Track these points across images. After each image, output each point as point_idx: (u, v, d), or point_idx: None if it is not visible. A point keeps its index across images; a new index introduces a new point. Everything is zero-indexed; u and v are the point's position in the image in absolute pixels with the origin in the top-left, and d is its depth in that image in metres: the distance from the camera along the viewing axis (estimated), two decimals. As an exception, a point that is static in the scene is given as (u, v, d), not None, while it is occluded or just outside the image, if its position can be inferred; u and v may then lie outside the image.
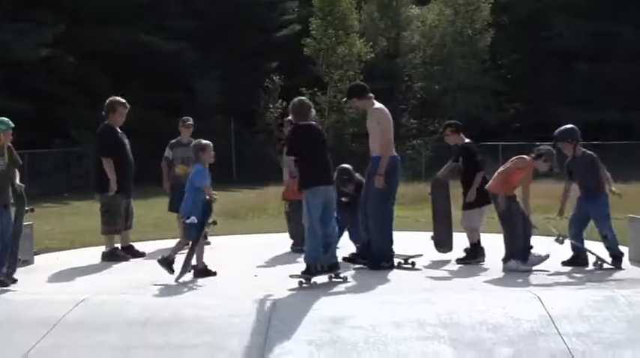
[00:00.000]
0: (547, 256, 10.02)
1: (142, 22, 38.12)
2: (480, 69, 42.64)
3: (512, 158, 10.46)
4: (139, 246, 12.07)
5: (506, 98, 42.94)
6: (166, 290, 8.94)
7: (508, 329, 7.19)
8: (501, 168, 10.44)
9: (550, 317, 7.38)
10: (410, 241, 11.82)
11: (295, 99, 9.68)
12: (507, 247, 10.12)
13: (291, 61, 41.50)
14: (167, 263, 9.59)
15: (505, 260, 10.09)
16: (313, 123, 9.56)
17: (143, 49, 36.65)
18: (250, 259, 11.31)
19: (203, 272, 9.75)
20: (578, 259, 10.24)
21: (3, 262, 9.36)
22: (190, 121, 13.12)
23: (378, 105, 10.54)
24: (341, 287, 8.87)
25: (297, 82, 37.68)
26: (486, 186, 10.44)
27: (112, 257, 11.39)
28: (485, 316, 7.42)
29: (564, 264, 10.18)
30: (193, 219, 9.49)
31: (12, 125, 9.59)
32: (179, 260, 9.65)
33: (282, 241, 12.38)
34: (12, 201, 9.62)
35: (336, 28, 40.74)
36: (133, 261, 11.41)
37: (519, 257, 9.96)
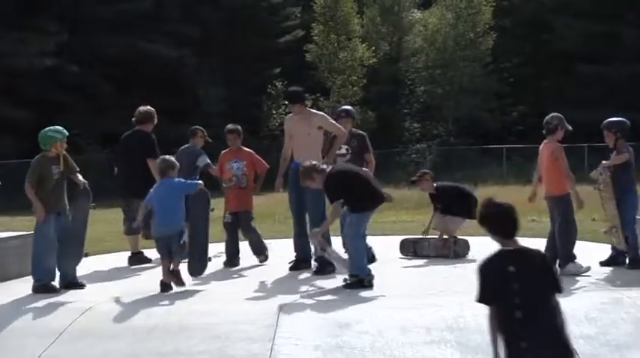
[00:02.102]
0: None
1: (144, 29, 38.25)
2: (482, 72, 42.68)
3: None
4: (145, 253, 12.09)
5: (509, 101, 42.99)
6: (173, 298, 8.93)
7: (515, 333, 7.17)
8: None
9: (557, 319, 7.36)
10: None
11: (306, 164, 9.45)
12: (561, 250, 9.68)
13: (293, 66, 41.61)
14: (176, 277, 9.36)
15: (563, 264, 9.62)
16: (342, 166, 9.63)
17: (145, 56, 36.78)
18: (256, 265, 11.31)
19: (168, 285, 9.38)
20: (617, 259, 10.00)
21: (65, 267, 9.64)
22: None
23: (314, 110, 10.87)
24: (347, 292, 8.86)
25: (300, 87, 37.74)
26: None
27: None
28: (491, 320, 7.40)
29: (602, 264, 10.03)
30: (185, 240, 9.37)
31: (67, 134, 9.79)
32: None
33: (289, 247, 12.38)
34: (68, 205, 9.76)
35: (338, 33, 40.87)
36: (139, 267, 11.45)
37: (573, 259, 9.68)
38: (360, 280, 9.02)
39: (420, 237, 12.04)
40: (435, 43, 43.81)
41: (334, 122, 10.62)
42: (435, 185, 11.97)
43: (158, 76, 37.16)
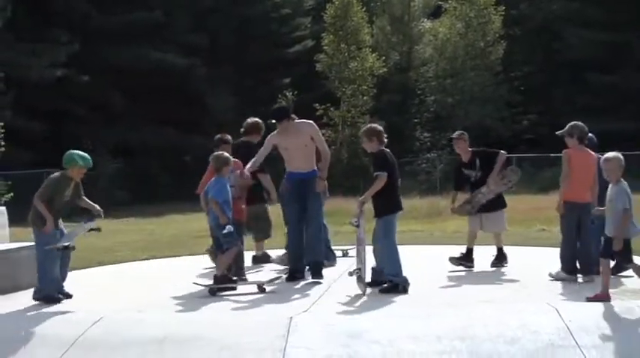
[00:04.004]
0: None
1: (154, 39, 38.36)
2: (492, 81, 42.63)
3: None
4: (152, 263, 12.10)
5: (520, 110, 42.93)
6: (184, 308, 8.95)
7: (526, 342, 7.15)
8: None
9: (568, 329, 7.33)
10: (423, 255, 11.80)
11: (375, 125, 9.86)
12: (591, 257, 9.67)
13: (303, 76, 41.69)
14: (226, 280, 9.76)
15: (587, 273, 9.70)
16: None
17: (155, 66, 36.87)
18: (269, 274, 11.30)
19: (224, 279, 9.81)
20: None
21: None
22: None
23: (301, 119, 10.83)
24: (357, 301, 8.86)
25: (310, 97, 37.84)
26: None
27: (265, 258, 12.29)
28: (502, 329, 7.38)
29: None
30: (229, 228, 9.62)
31: (90, 164, 9.95)
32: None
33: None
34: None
35: (349, 43, 40.89)
36: (152, 278, 11.46)
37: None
38: (395, 285, 9.23)
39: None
40: (445, 53, 43.82)
41: (322, 138, 10.71)
42: (470, 149, 11.45)
43: (168, 86, 37.25)
